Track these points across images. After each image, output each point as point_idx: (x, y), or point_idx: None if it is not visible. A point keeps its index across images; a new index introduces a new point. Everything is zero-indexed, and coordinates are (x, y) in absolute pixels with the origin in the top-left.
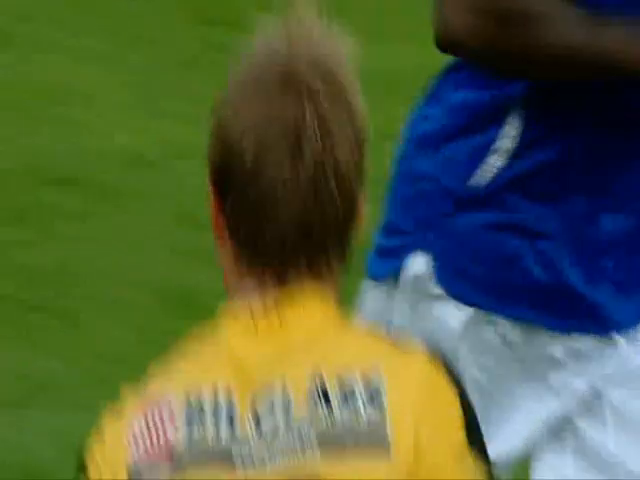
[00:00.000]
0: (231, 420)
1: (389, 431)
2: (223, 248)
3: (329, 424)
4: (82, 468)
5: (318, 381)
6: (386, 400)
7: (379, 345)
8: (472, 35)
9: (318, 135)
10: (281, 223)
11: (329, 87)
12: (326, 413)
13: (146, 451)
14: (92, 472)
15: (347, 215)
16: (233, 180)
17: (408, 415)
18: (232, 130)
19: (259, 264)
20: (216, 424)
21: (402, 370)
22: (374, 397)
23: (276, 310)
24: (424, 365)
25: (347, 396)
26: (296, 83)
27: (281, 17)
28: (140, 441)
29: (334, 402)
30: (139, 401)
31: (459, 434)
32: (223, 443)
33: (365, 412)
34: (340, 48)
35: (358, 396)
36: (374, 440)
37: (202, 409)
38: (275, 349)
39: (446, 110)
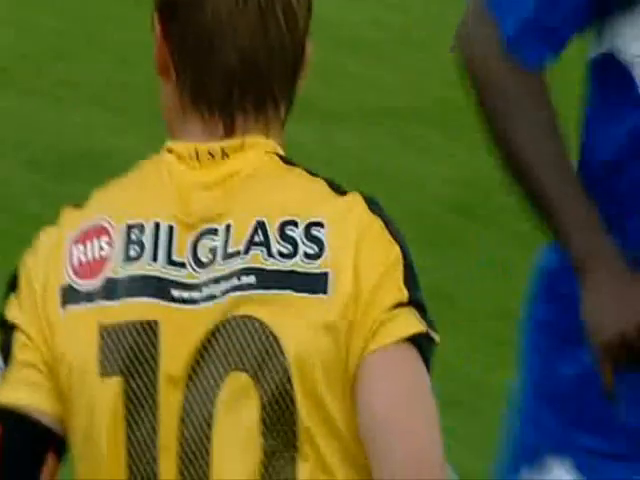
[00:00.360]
0: (169, 250)
1: (328, 276)
2: (166, 84)
3: (267, 265)
4: (13, 282)
5: (261, 223)
6: (327, 245)
7: (320, 188)
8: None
9: None
10: (228, 56)
11: None
12: (265, 254)
13: (81, 266)
14: (22, 279)
15: (295, 57)
16: (179, 5)
17: (348, 259)
18: None
19: (205, 101)
20: (154, 250)
21: (343, 215)
22: (314, 242)
23: (221, 148)
24: (363, 211)
25: (288, 240)
26: None
27: None
28: (75, 257)
29: (274, 244)
30: (77, 220)
31: (397, 273)
32: (159, 270)
33: (305, 256)
34: None
35: (299, 241)
36: (311, 283)
37: (141, 237)
38: (217, 182)
39: None
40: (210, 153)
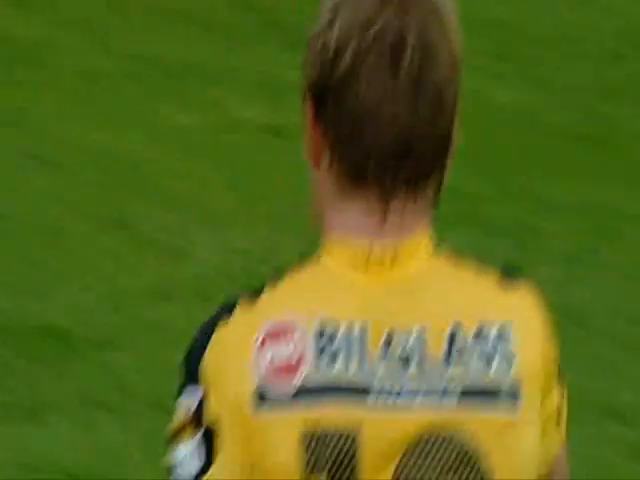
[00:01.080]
0: (363, 356)
1: (518, 384)
2: (319, 174)
3: (464, 373)
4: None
5: (454, 333)
6: (518, 354)
7: (497, 291)
8: None
9: (419, 44)
10: (382, 137)
11: (427, 2)
12: (462, 362)
13: (272, 371)
14: (208, 378)
15: (445, 136)
16: (331, 87)
17: (536, 368)
18: (329, 36)
19: (362, 184)
20: (348, 356)
21: (528, 322)
22: (506, 351)
23: (392, 251)
24: (540, 313)
25: (483, 350)
26: None
27: None
28: (265, 360)
29: (471, 355)
30: (258, 319)
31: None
32: (352, 378)
33: (498, 365)
34: None
35: (492, 350)
36: (506, 399)
37: (334, 342)
38: (394, 287)
39: None
40: (381, 260)
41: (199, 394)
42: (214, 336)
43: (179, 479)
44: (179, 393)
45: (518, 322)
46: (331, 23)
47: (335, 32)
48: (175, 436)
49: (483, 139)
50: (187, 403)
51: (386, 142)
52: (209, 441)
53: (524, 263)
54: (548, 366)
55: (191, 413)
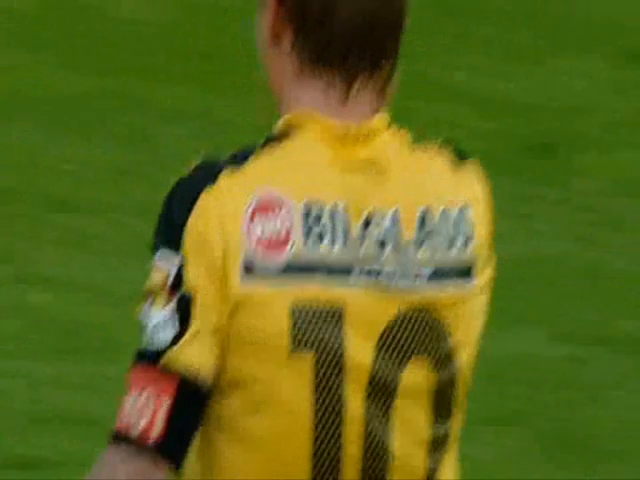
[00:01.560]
0: (347, 234)
1: (474, 261)
2: (278, 52)
3: (432, 254)
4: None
5: (424, 213)
6: (474, 234)
7: (453, 173)
8: None
9: None
10: (347, 18)
11: None
12: (431, 244)
13: (263, 242)
14: (192, 243)
15: (402, 17)
16: None
17: (486, 244)
18: None
19: (325, 63)
20: (333, 233)
21: (480, 203)
22: (467, 226)
23: (365, 130)
24: (484, 183)
25: (448, 228)
26: None
27: None
28: (257, 231)
29: (439, 233)
30: (247, 188)
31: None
32: (337, 257)
33: (460, 245)
34: None
35: (455, 227)
36: (468, 271)
37: (320, 219)
38: (368, 165)
39: None
40: (357, 135)
41: (178, 261)
42: (199, 203)
43: (152, 345)
44: (154, 253)
45: (473, 203)
46: None
47: None
48: (149, 298)
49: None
50: (164, 268)
51: (352, 24)
52: (184, 309)
53: None
54: (491, 240)
55: (168, 279)
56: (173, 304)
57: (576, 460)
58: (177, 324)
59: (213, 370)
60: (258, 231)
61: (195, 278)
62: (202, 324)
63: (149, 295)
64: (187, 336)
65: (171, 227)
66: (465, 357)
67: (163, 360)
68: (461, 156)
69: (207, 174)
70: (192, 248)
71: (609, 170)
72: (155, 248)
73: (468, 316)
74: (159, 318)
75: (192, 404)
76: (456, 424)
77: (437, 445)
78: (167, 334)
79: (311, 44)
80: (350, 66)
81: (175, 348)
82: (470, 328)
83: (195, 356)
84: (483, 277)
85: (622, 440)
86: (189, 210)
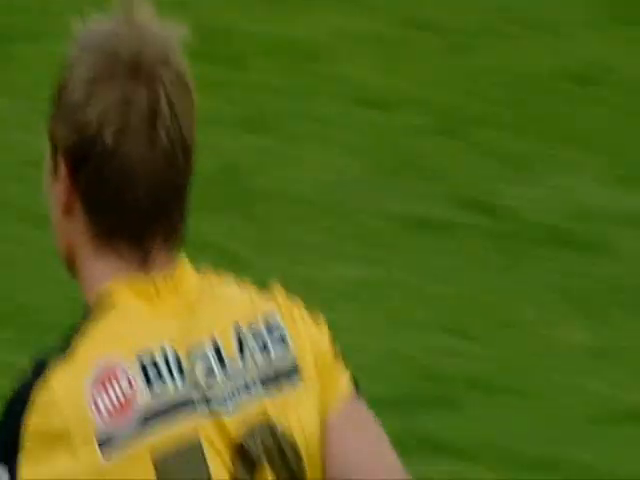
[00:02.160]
0: (181, 373)
1: (298, 362)
2: (71, 221)
3: (255, 366)
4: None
5: (237, 334)
6: (289, 338)
7: (256, 294)
8: None
9: (170, 117)
10: (140, 199)
11: (171, 72)
12: (254, 358)
13: (111, 411)
14: (36, 439)
15: (190, 184)
16: (91, 158)
17: (306, 343)
18: (88, 112)
19: (121, 239)
20: (171, 377)
21: (289, 312)
22: (279, 336)
23: (171, 280)
24: (296, 303)
25: (261, 341)
26: (145, 69)
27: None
28: (101, 404)
29: (256, 349)
30: (79, 370)
31: (333, 347)
32: (180, 396)
33: (276, 351)
34: (173, 33)
35: (267, 339)
36: (291, 372)
37: (155, 368)
38: (179, 309)
39: None
40: (167, 289)
41: (4, 470)
42: (32, 404)
43: None
44: None
45: (278, 309)
46: (88, 98)
47: (94, 109)
48: None
49: None
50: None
51: (145, 207)
52: None
53: None
54: (320, 346)
55: None
56: None
57: None
58: None
59: None
60: (102, 404)
61: (35, 475)
62: None
63: None
64: None
65: (5, 438)
66: (311, 453)
67: None
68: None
69: (33, 375)
70: (40, 444)
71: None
72: None
73: (304, 416)
74: None
75: None
76: None
77: None
78: None
79: (104, 224)
80: (145, 240)
81: None
82: (308, 427)
83: None
84: (311, 378)
85: None
86: (21, 416)
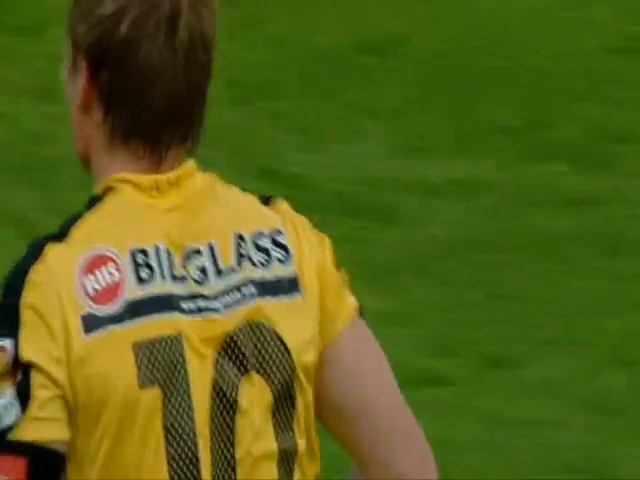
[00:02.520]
0: (172, 268)
1: (299, 275)
2: (88, 117)
3: (257, 275)
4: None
5: (238, 239)
6: (291, 252)
7: (256, 200)
8: None
9: (191, 12)
10: (158, 98)
11: None
12: (252, 265)
13: (97, 294)
14: (29, 318)
15: (205, 97)
16: (109, 54)
17: (309, 260)
18: (107, 6)
19: (137, 138)
20: (161, 270)
21: (294, 227)
22: (281, 248)
23: (175, 177)
24: (292, 211)
25: (263, 250)
26: None
27: None
28: (89, 287)
29: (255, 256)
30: (72, 254)
31: (331, 258)
32: (170, 288)
33: (277, 262)
34: None
35: (270, 250)
36: (290, 283)
37: (147, 260)
38: (181, 205)
39: None
40: (168, 183)
41: (11, 343)
42: (28, 280)
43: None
44: None
45: (284, 224)
46: None
47: (114, 3)
48: None
49: None
50: (2, 355)
51: (162, 107)
52: (24, 387)
53: None
54: (319, 251)
55: (4, 363)
56: (13, 386)
57: None
58: (19, 403)
59: (64, 437)
60: (90, 287)
61: (32, 354)
62: (43, 398)
63: None
64: (30, 412)
65: (6, 314)
66: (303, 362)
67: (10, 440)
68: (266, 198)
69: (32, 253)
70: (29, 325)
71: None
72: None
73: (299, 324)
74: (3, 403)
75: (48, 476)
76: (303, 442)
77: (285, 458)
78: (11, 416)
79: (122, 121)
80: (161, 141)
81: (21, 427)
82: (300, 336)
83: (42, 429)
84: (312, 294)
85: None
86: (19, 291)
